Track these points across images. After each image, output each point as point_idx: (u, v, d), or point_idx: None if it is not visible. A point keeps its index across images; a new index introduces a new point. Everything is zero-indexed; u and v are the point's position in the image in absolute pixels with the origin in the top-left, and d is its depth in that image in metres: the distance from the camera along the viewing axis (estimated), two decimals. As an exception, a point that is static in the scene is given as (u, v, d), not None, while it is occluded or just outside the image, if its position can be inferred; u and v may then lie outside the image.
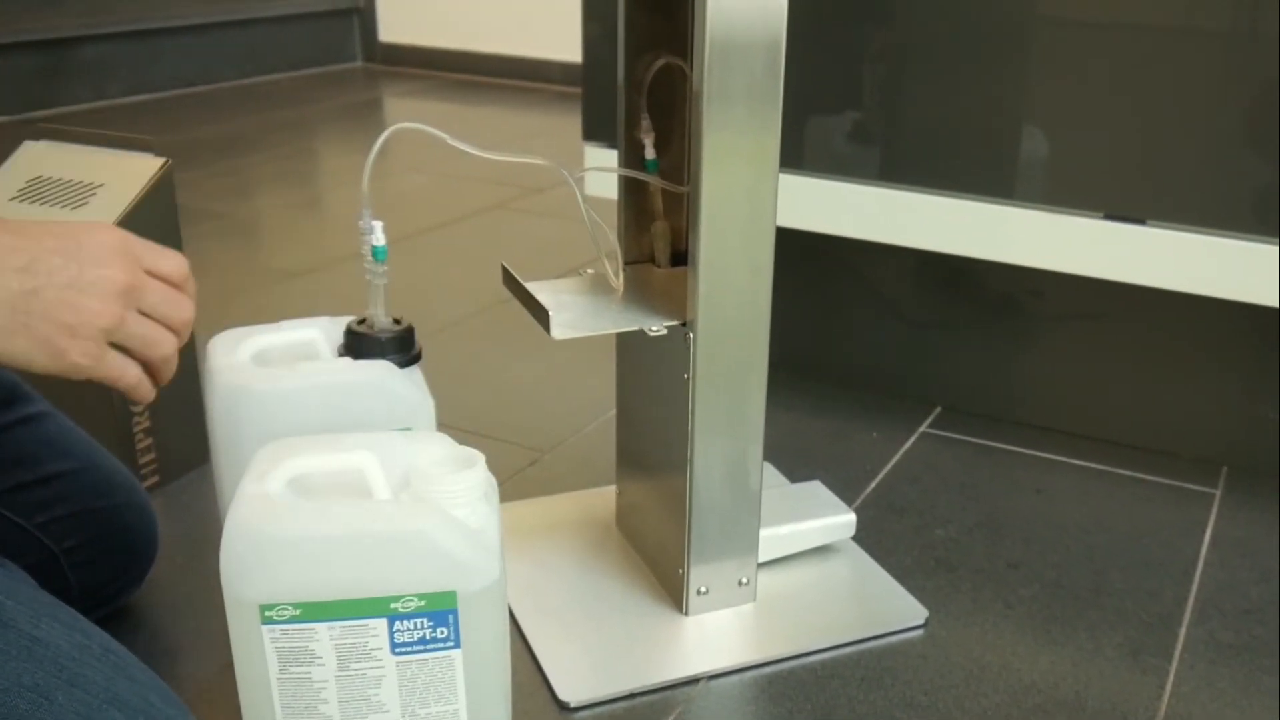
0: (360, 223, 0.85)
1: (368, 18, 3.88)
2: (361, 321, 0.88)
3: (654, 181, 0.97)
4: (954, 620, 1.02)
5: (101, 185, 1.12)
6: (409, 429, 0.86)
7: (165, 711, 0.69)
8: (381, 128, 3.19)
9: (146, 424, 1.18)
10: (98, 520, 0.96)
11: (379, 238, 0.86)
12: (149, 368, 0.76)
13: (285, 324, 0.91)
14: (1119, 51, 1.14)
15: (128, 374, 0.75)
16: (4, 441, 0.92)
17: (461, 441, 0.76)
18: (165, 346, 0.76)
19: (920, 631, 1.01)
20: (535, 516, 1.15)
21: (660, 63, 0.95)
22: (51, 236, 0.70)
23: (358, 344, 0.87)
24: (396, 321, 0.88)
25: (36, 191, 1.13)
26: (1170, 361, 1.30)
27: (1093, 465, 1.30)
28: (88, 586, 0.96)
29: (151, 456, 1.19)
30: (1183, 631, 1.01)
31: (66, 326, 0.70)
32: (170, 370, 0.78)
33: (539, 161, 0.89)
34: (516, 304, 0.96)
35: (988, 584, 1.07)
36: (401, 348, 0.87)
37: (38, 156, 1.18)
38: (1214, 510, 1.21)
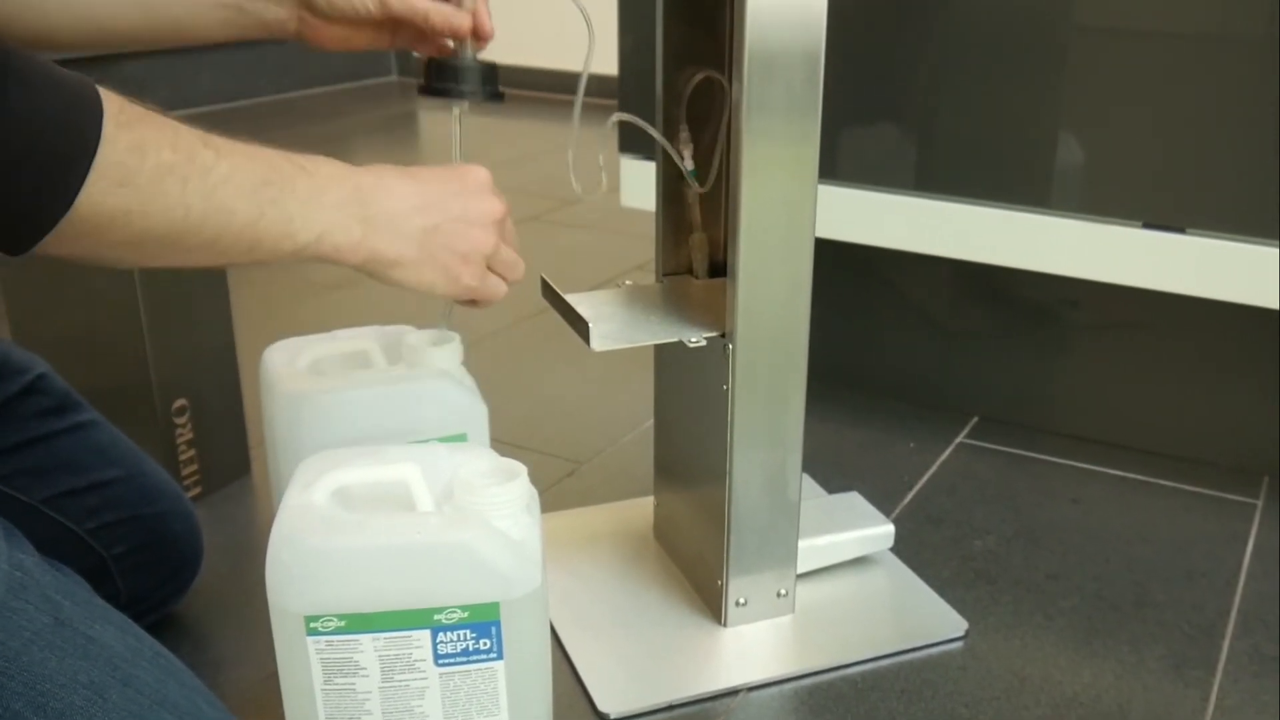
0: None
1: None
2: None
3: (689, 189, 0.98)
4: (994, 632, 1.02)
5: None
6: (464, 434, 0.88)
7: (213, 716, 0.71)
8: (417, 141, 3.21)
9: (190, 435, 1.19)
10: (145, 527, 0.97)
11: None
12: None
13: (339, 333, 0.94)
14: (1157, 59, 1.14)
15: (502, 290, 0.85)
16: (55, 448, 0.94)
17: (499, 452, 0.77)
18: (519, 269, 0.86)
19: (960, 643, 1.00)
20: (573, 528, 1.15)
21: (700, 76, 0.95)
22: (438, 179, 0.80)
23: (439, 71, 0.87)
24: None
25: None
26: (1210, 371, 1.30)
27: (1131, 475, 1.29)
28: (135, 593, 0.97)
29: (195, 467, 1.21)
30: (1226, 644, 1.01)
31: (461, 255, 0.80)
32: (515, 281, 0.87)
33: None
34: (553, 315, 0.97)
35: (1027, 595, 1.07)
36: (486, 79, 0.88)
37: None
38: (1256, 521, 1.20)
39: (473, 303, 0.85)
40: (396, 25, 0.89)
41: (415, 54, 0.91)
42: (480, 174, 0.82)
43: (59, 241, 0.61)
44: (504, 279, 0.85)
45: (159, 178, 0.63)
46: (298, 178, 0.71)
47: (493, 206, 0.82)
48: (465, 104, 0.88)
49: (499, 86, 0.90)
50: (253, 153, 0.70)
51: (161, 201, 0.64)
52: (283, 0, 0.87)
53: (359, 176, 0.76)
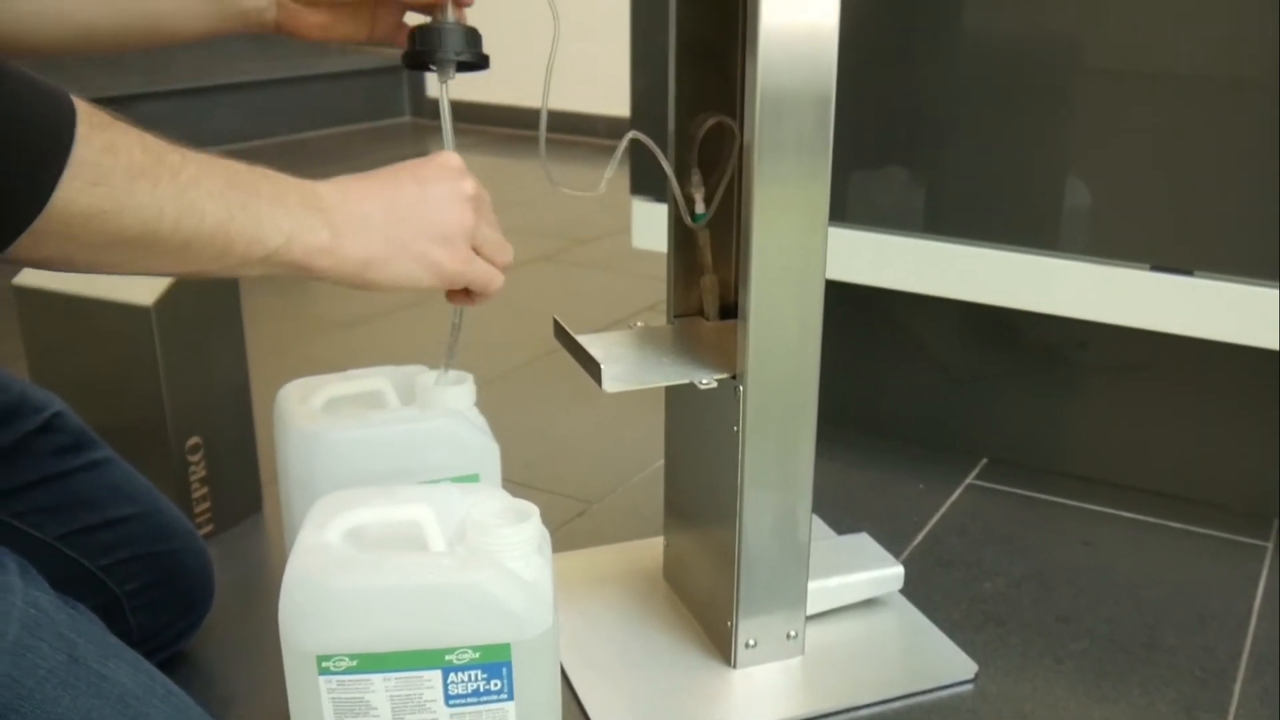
0: None
1: (416, 74, 3.95)
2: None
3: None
4: (1004, 675, 1.02)
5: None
6: (476, 474, 0.88)
7: (224, 755, 0.71)
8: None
9: (203, 473, 1.20)
10: (158, 564, 0.98)
11: None
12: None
13: (352, 373, 0.95)
14: (1164, 103, 1.15)
15: (495, 276, 0.81)
16: (71, 485, 0.95)
17: (510, 492, 0.77)
18: (508, 252, 0.82)
19: (970, 686, 1.00)
20: (583, 568, 1.15)
21: (712, 121, 0.96)
22: (398, 170, 0.77)
23: (420, 37, 0.85)
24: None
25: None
26: (1219, 413, 1.30)
27: (1141, 517, 1.29)
28: (147, 630, 0.98)
29: (207, 505, 1.21)
30: (1237, 688, 1.00)
31: (437, 238, 0.76)
32: (506, 272, 0.83)
33: None
34: (564, 355, 0.97)
35: (1037, 638, 1.07)
36: (469, 42, 0.86)
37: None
38: (1266, 563, 1.20)
39: (467, 295, 0.82)
40: (365, 5, 0.89)
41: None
42: (446, 158, 0.80)
43: (34, 242, 0.60)
44: (494, 263, 0.81)
45: (131, 178, 0.62)
46: (260, 182, 0.70)
47: (461, 185, 0.78)
48: (451, 70, 0.85)
49: (483, 51, 0.87)
50: (213, 160, 0.69)
51: (134, 201, 0.62)
52: None
53: (315, 184, 0.74)
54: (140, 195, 0.63)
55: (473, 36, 0.86)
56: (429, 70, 0.87)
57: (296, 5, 0.88)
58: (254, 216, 0.69)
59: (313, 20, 0.89)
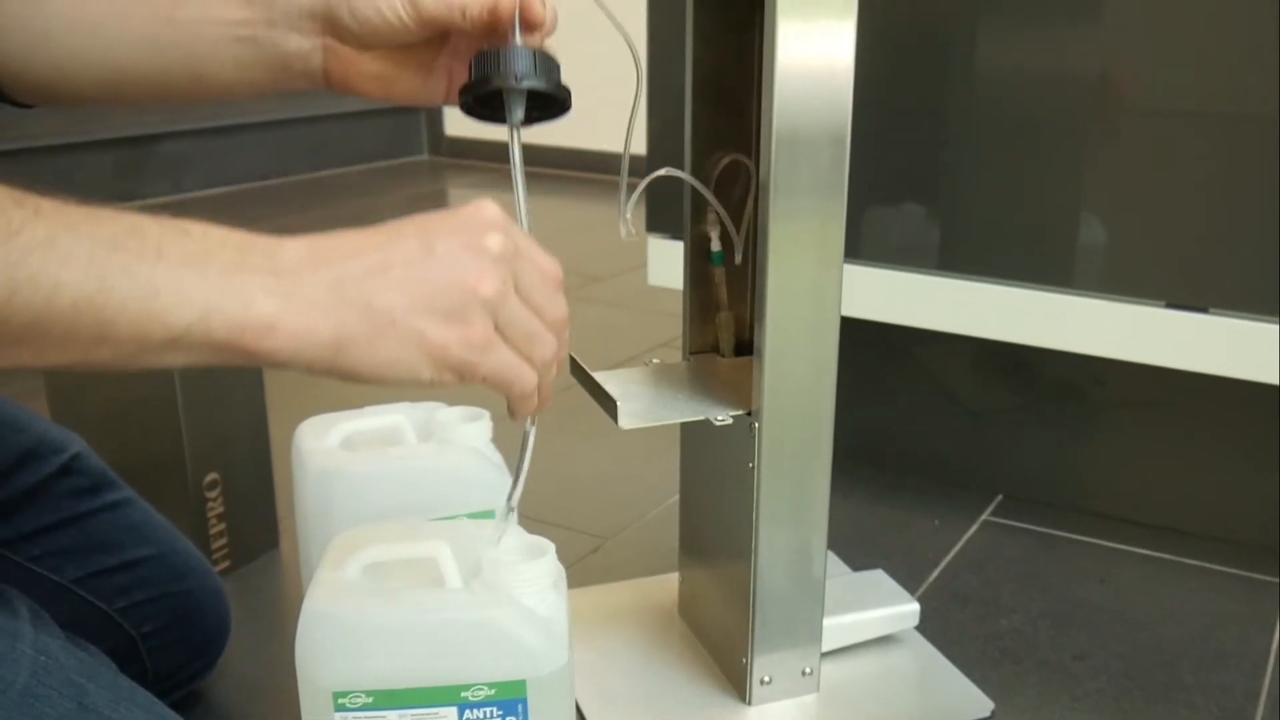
0: None
1: (434, 112, 3.98)
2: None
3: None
4: (1020, 713, 1.01)
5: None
6: (492, 511, 0.88)
7: (239, 795, 0.71)
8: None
9: (220, 509, 1.20)
10: (175, 605, 0.98)
11: None
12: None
13: (370, 410, 0.95)
14: (1179, 140, 1.15)
15: (524, 375, 0.61)
16: (89, 528, 0.95)
17: (525, 528, 0.77)
18: (548, 347, 0.62)
19: (986, 724, 1.00)
20: (598, 604, 1.15)
21: (727, 160, 0.97)
22: (414, 223, 0.60)
23: (480, 63, 0.70)
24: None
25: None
26: (1236, 450, 1.29)
27: (1158, 554, 1.28)
28: (163, 670, 0.98)
29: (224, 541, 1.22)
30: (1256, 727, 1.00)
31: (442, 313, 0.57)
32: (549, 384, 0.64)
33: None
34: (578, 391, 0.98)
35: (1054, 676, 1.06)
36: (543, 68, 0.70)
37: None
38: (1285, 602, 1.19)
39: (465, 371, 0.61)
40: (435, 54, 0.76)
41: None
42: (477, 207, 0.61)
43: None
44: (527, 359, 0.62)
45: None
46: (167, 239, 0.53)
47: (484, 239, 0.59)
48: (520, 101, 0.70)
49: (561, 81, 0.72)
50: (103, 216, 0.53)
51: None
52: (305, 26, 0.74)
53: (270, 240, 0.57)
54: None
55: (549, 62, 0.71)
56: (492, 112, 0.72)
57: (348, 50, 0.74)
58: (143, 286, 0.52)
59: (369, 70, 0.75)
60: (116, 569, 0.95)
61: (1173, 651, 1.10)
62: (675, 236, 1.35)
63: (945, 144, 1.28)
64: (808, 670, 1.00)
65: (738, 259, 0.96)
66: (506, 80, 0.69)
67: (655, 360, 1.03)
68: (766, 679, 0.98)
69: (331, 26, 0.73)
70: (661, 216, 1.40)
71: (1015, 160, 1.24)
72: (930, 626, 1.11)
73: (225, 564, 1.22)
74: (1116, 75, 1.18)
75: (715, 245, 0.99)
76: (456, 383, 0.60)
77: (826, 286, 0.89)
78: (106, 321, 0.52)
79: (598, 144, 3.58)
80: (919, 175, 1.30)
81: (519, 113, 0.71)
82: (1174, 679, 1.06)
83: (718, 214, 0.97)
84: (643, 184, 0.92)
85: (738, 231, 0.98)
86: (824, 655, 1.01)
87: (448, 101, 0.77)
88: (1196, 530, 1.32)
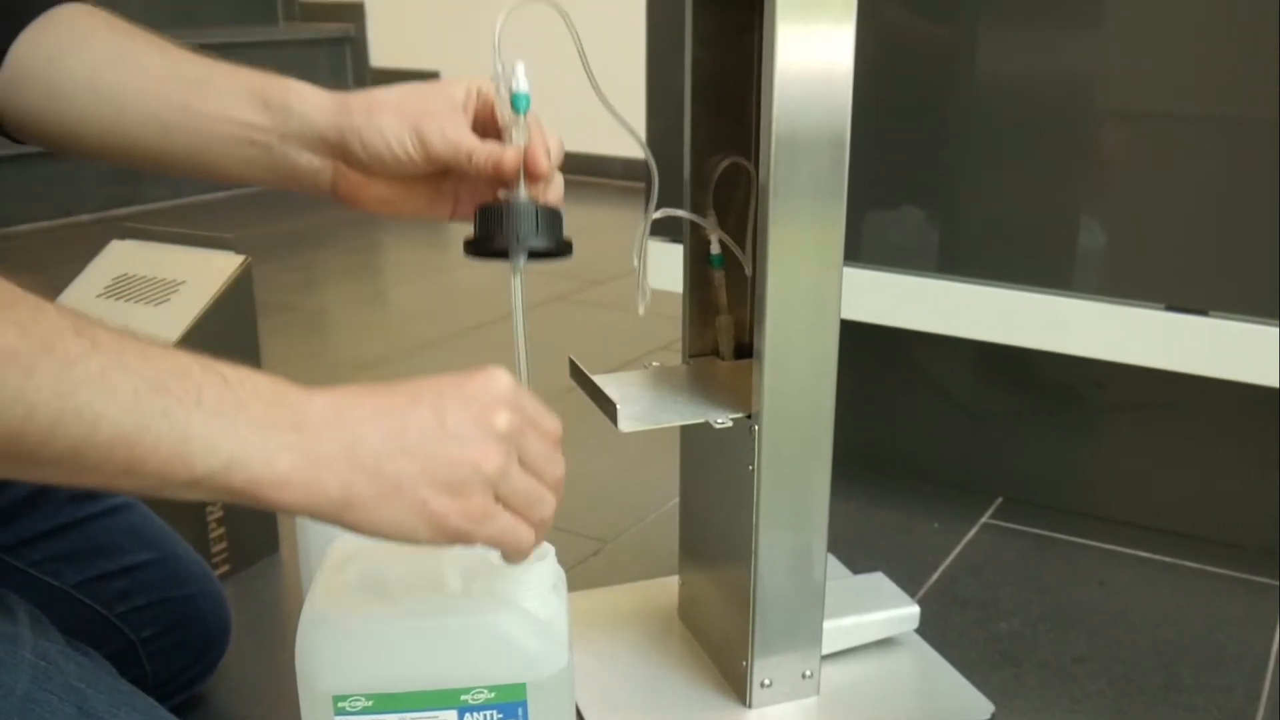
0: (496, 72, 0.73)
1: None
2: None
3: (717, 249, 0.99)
4: (1020, 716, 1.01)
5: (183, 282, 1.16)
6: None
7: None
8: (447, 226, 3.25)
9: (219, 514, 1.20)
10: (174, 610, 0.98)
11: (521, 82, 0.72)
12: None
13: None
14: (1178, 142, 1.15)
15: (521, 536, 0.65)
16: (89, 532, 0.95)
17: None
18: (546, 507, 0.66)
19: (987, 726, 1.00)
20: (598, 608, 1.15)
21: (727, 163, 0.97)
22: (423, 390, 0.63)
23: (484, 218, 0.73)
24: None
25: (122, 289, 1.18)
26: (1235, 453, 1.29)
27: (1157, 557, 1.29)
28: (163, 675, 0.98)
29: (224, 545, 1.22)
30: (1256, 729, 1.00)
31: (444, 485, 0.61)
32: (545, 533, 0.68)
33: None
34: (578, 394, 0.98)
35: (1054, 679, 1.06)
36: (545, 226, 0.73)
37: (123, 255, 1.22)
38: (1285, 604, 1.19)
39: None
40: (442, 179, 0.80)
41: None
42: (489, 378, 0.64)
43: None
44: (527, 519, 0.65)
45: None
46: (207, 386, 0.56)
47: (492, 418, 0.62)
48: (522, 257, 0.73)
49: (564, 236, 0.76)
50: (152, 353, 0.55)
51: None
52: (317, 147, 0.77)
53: (300, 393, 0.61)
54: (2, 389, 0.50)
55: (551, 219, 0.75)
56: (496, 254, 0.74)
57: (356, 175, 0.78)
58: (180, 430, 0.54)
59: (375, 194, 0.79)
60: (116, 574, 0.95)
61: (1173, 654, 1.10)
62: (675, 240, 1.35)
63: (944, 147, 1.28)
64: (808, 673, 1.00)
65: (748, 271, 0.96)
66: (509, 241, 0.73)
67: (655, 363, 1.03)
68: (767, 682, 0.98)
69: (342, 152, 0.76)
70: (661, 220, 1.40)
71: (1015, 163, 1.24)
72: (930, 629, 1.11)
73: (225, 568, 1.22)
74: (1116, 77, 1.18)
75: (715, 248, 0.99)
76: (455, 544, 0.63)
77: (826, 289, 0.89)
78: (138, 458, 0.54)
79: (596, 148, 3.58)
80: (918, 178, 1.30)
81: (521, 262, 0.74)
82: (1174, 681, 1.06)
83: (720, 239, 0.98)
84: (645, 225, 0.92)
85: (743, 250, 0.98)
86: (824, 658, 1.01)
87: (453, 219, 0.81)
88: (1196, 533, 1.32)
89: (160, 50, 0.80)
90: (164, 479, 0.55)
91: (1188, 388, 1.24)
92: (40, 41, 0.78)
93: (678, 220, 0.98)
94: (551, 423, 0.68)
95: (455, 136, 0.74)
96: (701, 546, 1.07)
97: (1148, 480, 1.35)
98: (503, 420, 0.63)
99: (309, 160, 0.78)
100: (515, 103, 0.73)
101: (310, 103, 0.77)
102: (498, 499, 0.63)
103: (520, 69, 0.72)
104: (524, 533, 0.65)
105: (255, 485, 0.57)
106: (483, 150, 0.73)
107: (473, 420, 0.62)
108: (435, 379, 0.64)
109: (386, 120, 0.75)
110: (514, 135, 0.73)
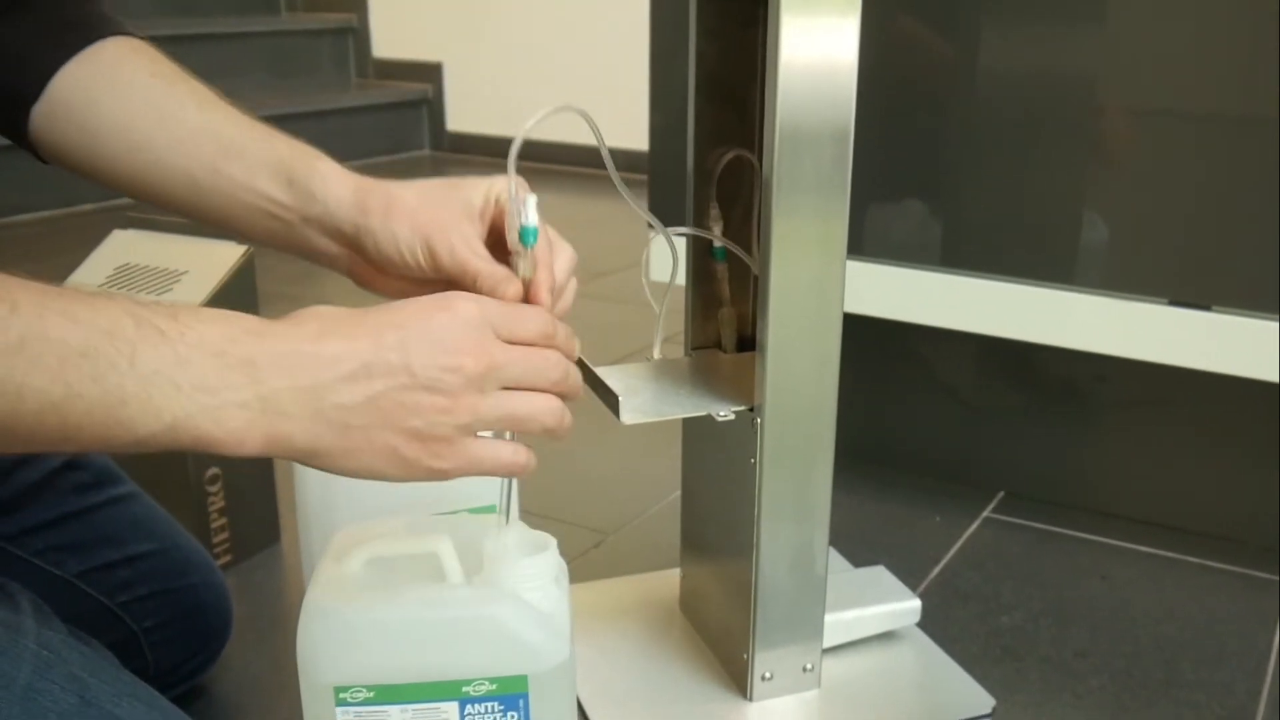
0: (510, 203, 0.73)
1: (436, 108, 3.98)
2: None
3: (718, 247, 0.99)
4: (1021, 710, 1.01)
5: (186, 272, 1.16)
6: (494, 505, 0.88)
7: (241, 789, 0.71)
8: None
9: (221, 504, 1.20)
10: (176, 600, 0.98)
11: (531, 215, 0.71)
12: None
13: None
14: (1182, 137, 1.15)
15: (500, 458, 0.66)
16: (92, 522, 0.95)
17: (527, 523, 0.77)
18: (541, 416, 0.67)
19: (988, 720, 1.00)
20: (599, 600, 1.15)
21: (730, 156, 0.97)
22: (389, 325, 0.61)
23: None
24: None
25: (124, 278, 1.17)
26: (1237, 448, 1.29)
27: (1159, 552, 1.28)
28: (164, 665, 0.98)
29: (225, 535, 1.22)
30: (1257, 724, 1.00)
31: (411, 431, 0.61)
32: (565, 426, 0.69)
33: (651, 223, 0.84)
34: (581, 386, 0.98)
35: (1055, 673, 1.06)
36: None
37: (125, 244, 1.22)
38: (1286, 600, 1.19)
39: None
40: (453, 282, 0.77)
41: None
42: (462, 309, 0.63)
43: None
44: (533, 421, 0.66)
45: None
46: (142, 343, 0.54)
47: (460, 361, 0.62)
48: None
49: None
50: (79, 311, 0.53)
51: None
52: (335, 235, 0.78)
53: (252, 338, 0.58)
54: None
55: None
56: None
57: (369, 268, 0.79)
58: (112, 393, 0.53)
59: (388, 287, 0.79)
60: (119, 564, 0.95)
61: (1174, 649, 1.10)
62: (677, 233, 1.35)
63: (948, 141, 1.28)
64: (809, 666, 1.00)
65: (755, 271, 0.96)
66: None
67: (657, 355, 1.03)
68: (768, 675, 0.98)
69: (357, 247, 0.77)
70: (664, 213, 1.39)
71: (1018, 157, 1.24)
72: (932, 623, 1.11)
73: (226, 559, 1.22)
74: (1120, 73, 1.18)
75: (717, 241, 0.99)
76: (438, 480, 0.65)
77: (829, 282, 0.89)
78: (71, 426, 0.53)
79: (606, 140, 3.57)
80: (922, 172, 1.30)
81: None
82: (1175, 676, 1.06)
83: (728, 245, 0.98)
84: (653, 238, 0.91)
85: (746, 243, 0.98)
86: (825, 651, 1.01)
87: None
88: (1198, 528, 1.32)
89: (199, 104, 0.80)
90: (105, 443, 0.54)
91: (1190, 383, 1.23)
92: (81, 78, 0.79)
93: (680, 213, 0.98)
94: (534, 326, 0.67)
95: (463, 257, 0.74)
96: (703, 539, 1.07)
97: (1150, 475, 1.35)
98: (471, 367, 0.62)
99: (327, 245, 0.79)
100: (523, 236, 0.72)
101: (333, 193, 0.77)
102: (478, 419, 0.63)
103: (531, 202, 0.71)
104: (504, 452, 0.66)
105: (207, 443, 0.56)
106: (487, 278, 0.73)
107: (440, 366, 0.61)
108: (398, 310, 0.63)
109: (400, 229, 0.75)
110: (520, 267, 0.73)
